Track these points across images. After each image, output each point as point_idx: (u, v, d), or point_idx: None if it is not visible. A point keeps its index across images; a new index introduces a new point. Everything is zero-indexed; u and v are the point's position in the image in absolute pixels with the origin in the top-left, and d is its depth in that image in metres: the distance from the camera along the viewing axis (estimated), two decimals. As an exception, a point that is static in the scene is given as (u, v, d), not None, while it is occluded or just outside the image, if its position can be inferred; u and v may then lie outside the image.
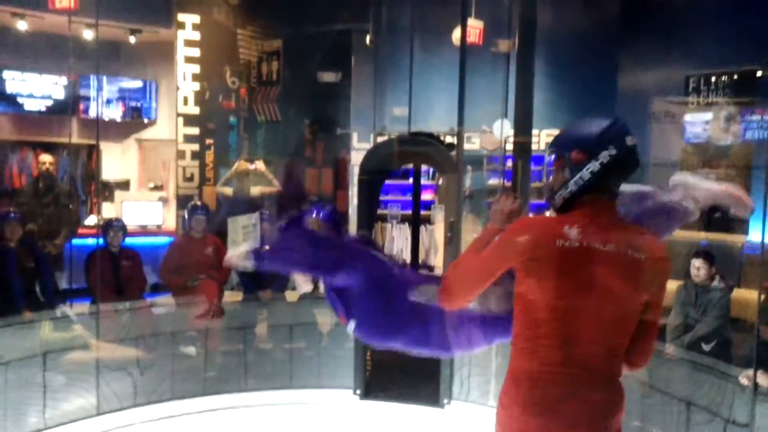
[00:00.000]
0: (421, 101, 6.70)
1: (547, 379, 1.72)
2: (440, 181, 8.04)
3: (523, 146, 6.00)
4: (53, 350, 4.05)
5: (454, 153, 4.69)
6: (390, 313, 2.20)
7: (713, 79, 7.48)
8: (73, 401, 3.90)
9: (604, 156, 1.73)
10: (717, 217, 6.33)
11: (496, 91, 6.05)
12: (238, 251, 2.28)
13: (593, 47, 8.02)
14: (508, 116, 6.18)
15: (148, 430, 3.78)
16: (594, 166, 1.74)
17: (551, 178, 1.87)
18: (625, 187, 2.17)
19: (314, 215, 5.63)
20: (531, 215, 2.46)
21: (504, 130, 5.89)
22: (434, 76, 7.48)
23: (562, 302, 1.71)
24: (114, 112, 8.45)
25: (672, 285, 4.61)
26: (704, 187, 2.13)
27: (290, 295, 5.57)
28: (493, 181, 7.91)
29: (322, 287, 2.40)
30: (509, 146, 6.30)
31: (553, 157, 1.86)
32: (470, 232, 7.19)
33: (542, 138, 8.88)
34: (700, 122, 7.58)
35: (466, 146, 5.98)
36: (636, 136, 1.79)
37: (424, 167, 6.58)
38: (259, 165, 7.08)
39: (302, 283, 2.42)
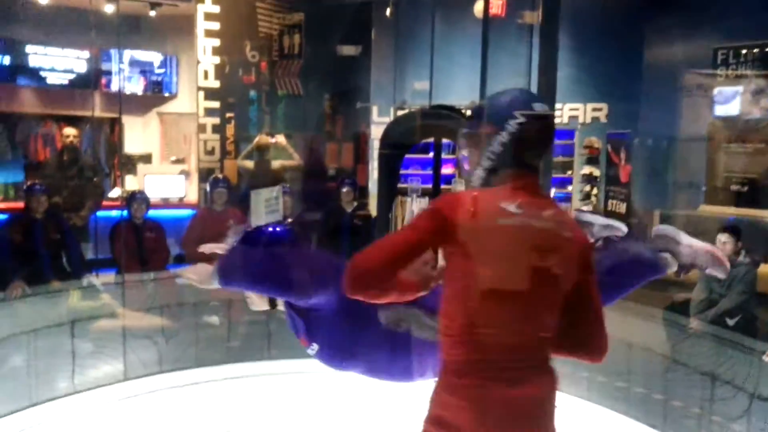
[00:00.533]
0: (442, 75, 6.63)
1: (486, 369, 1.57)
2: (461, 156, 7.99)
3: (546, 119, 5.94)
4: (81, 318, 4.15)
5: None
6: (357, 340, 2.01)
7: (743, 52, 7.29)
8: (100, 368, 3.99)
9: (512, 125, 1.62)
10: (745, 192, 6.22)
11: (519, 65, 5.96)
12: (205, 271, 2.08)
13: (619, 20, 7.84)
14: (532, 90, 6.11)
15: (173, 395, 3.86)
16: (503, 137, 1.63)
17: (467, 159, 1.76)
18: (597, 219, 2.25)
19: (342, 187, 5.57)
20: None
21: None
22: (456, 49, 7.39)
23: (502, 285, 1.57)
24: (135, 86, 8.50)
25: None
26: (687, 243, 2.10)
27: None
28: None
29: (281, 306, 2.15)
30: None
31: (464, 138, 1.77)
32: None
33: (565, 112, 8.76)
34: (728, 96, 7.42)
35: (488, 120, 5.90)
36: (544, 107, 1.68)
37: (444, 141, 6.54)
38: (280, 139, 7.09)
39: (257, 302, 2.16)
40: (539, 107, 1.66)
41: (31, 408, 3.50)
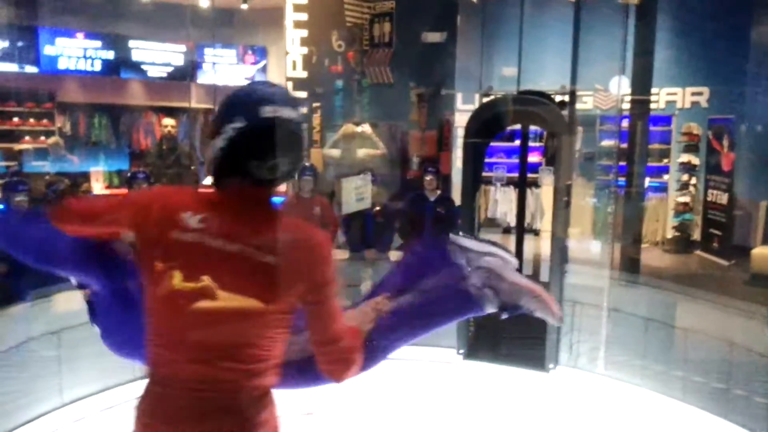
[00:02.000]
0: (531, 59, 6.45)
1: (159, 397, 1.41)
2: (548, 143, 7.77)
3: (641, 105, 5.66)
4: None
5: (565, 113, 4.49)
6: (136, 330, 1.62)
7: None
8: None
9: (229, 129, 1.38)
10: None
11: (613, 47, 5.71)
12: None
13: (723, -1, 7.37)
14: (626, 74, 5.84)
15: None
16: (221, 141, 1.39)
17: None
18: (476, 246, 1.81)
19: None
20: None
21: (621, 89, 5.57)
22: (545, 31, 7.17)
23: (167, 302, 1.38)
24: (228, 77, 8.84)
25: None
26: (511, 280, 1.76)
27: (393, 255, 5.66)
28: (607, 143, 7.54)
29: None
30: (626, 105, 5.97)
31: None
32: (580, 195, 6.93)
33: (662, 97, 8.33)
34: None
35: (578, 105, 5.72)
36: (277, 107, 1.39)
37: (531, 128, 6.37)
38: (365, 128, 7.15)
39: None
40: (269, 111, 1.38)
41: (135, 382, 3.75)
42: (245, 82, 1.59)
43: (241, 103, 1.40)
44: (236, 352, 1.39)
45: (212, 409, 1.38)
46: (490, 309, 1.77)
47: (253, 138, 1.38)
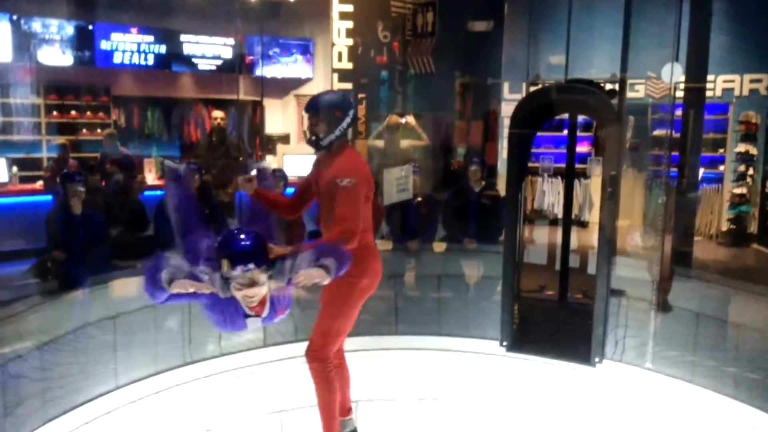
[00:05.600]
0: (580, 47, 6.29)
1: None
2: (598, 133, 7.60)
3: (696, 93, 5.47)
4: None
5: (615, 101, 4.38)
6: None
7: None
8: (243, 335, 4.30)
9: (352, 114, 3.01)
10: None
11: (666, 34, 5.52)
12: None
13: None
14: (679, 61, 5.64)
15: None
16: (347, 121, 2.99)
17: (313, 128, 2.97)
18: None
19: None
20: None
21: (674, 76, 5.39)
22: (595, 18, 6.99)
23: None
24: (275, 70, 8.95)
25: None
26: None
27: (437, 246, 5.65)
28: (659, 132, 7.32)
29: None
30: (679, 94, 5.77)
31: (309, 114, 2.98)
32: (630, 186, 6.75)
33: (719, 84, 8.03)
34: None
35: (629, 94, 5.56)
36: None
37: (580, 118, 6.24)
38: (410, 119, 7.14)
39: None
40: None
41: (183, 367, 3.88)
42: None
43: (351, 102, 3.02)
44: None
45: None
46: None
47: (354, 119, 3.08)
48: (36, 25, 7.80)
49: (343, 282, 2.83)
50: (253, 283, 2.32)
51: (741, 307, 4.01)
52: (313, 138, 2.99)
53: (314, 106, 2.99)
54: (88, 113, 8.54)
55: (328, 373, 3.05)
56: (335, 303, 3.07)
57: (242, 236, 2.37)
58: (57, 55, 7.97)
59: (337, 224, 2.86)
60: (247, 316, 2.50)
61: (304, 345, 3.14)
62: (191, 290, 2.30)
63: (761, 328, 3.70)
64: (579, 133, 6.80)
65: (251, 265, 2.29)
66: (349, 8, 7.96)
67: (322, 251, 2.49)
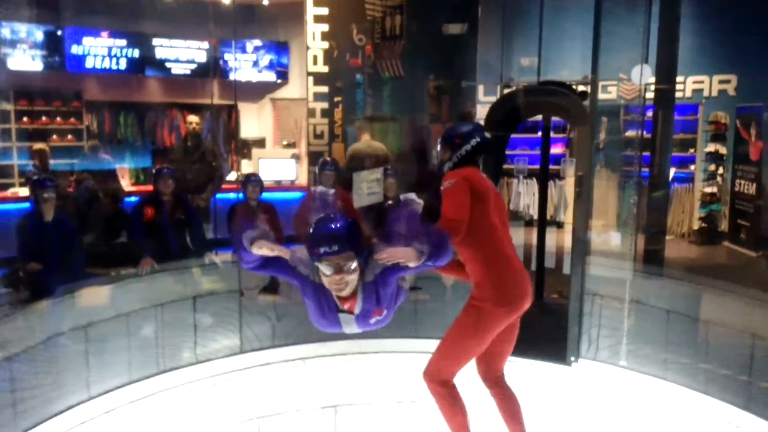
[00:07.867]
0: (552, 49, 6.38)
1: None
2: (572, 134, 7.70)
3: (665, 94, 5.57)
4: (202, 294, 4.45)
5: (587, 103, 4.43)
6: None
7: None
8: (220, 341, 4.27)
9: (473, 142, 2.99)
10: None
11: (636, 35, 5.61)
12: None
13: (752, -17, 7.18)
14: (649, 62, 5.74)
15: (284, 368, 4.07)
16: (467, 147, 2.99)
17: (439, 155, 3.06)
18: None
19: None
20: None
21: (644, 77, 5.48)
22: (567, 21, 7.09)
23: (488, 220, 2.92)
24: (249, 74, 8.90)
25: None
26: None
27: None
28: (631, 133, 7.43)
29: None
30: (650, 95, 5.87)
31: (441, 144, 3.05)
32: (603, 186, 6.84)
33: (688, 85, 8.18)
34: None
35: (601, 95, 5.65)
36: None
37: (554, 119, 6.31)
38: (365, 136, 7.13)
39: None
40: (488, 135, 3.12)
41: (158, 375, 3.83)
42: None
43: (476, 131, 3.04)
44: None
45: None
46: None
47: (481, 146, 3.01)
48: (5, 31, 7.66)
49: (468, 304, 2.90)
50: (339, 269, 2.21)
51: (712, 305, 4.08)
52: (438, 164, 3.11)
53: (442, 136, 3.09)
54: (59, 119, 8.41)
55: (447, 396, 2.93)
56: (457, 324, 2.94)
57: (333, 219, 2.31)
58: (26, 61, 7.84)
59: (440, 221, 2.86)
60: (339, 310, 2.38)
61: (282, 351, 3.12)
62: (271, 253, 2.25)
63: (732, 324, 3.77)
64: (553, 135, 6.86)
65: (335, 247, 2.19)
66: (323, 11, 7.95)
67: (416, 234, 2.35)
